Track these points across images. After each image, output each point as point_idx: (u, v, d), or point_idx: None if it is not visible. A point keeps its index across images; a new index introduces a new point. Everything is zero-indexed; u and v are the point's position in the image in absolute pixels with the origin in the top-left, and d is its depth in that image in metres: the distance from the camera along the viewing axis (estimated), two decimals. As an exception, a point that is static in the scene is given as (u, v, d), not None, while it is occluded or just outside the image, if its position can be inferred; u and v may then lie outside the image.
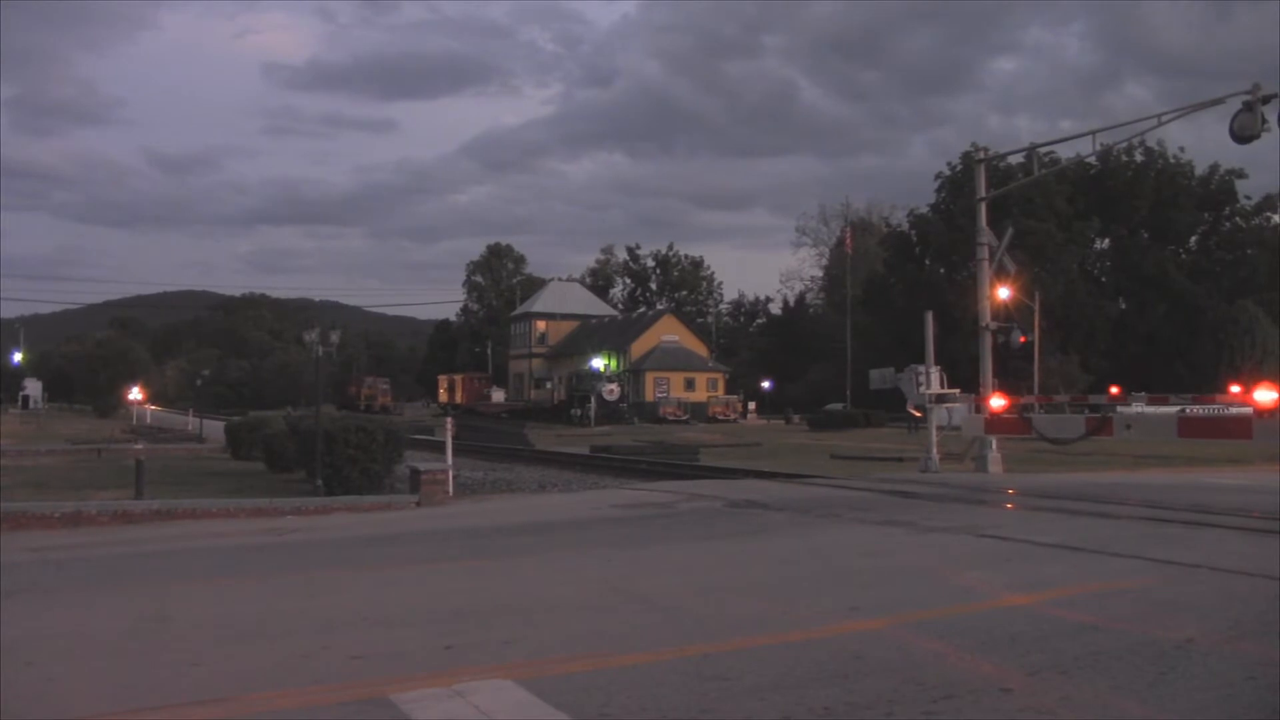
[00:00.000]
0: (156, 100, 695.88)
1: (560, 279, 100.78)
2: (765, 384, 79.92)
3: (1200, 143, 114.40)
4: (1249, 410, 14.84)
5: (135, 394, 64.29)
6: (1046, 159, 40.84)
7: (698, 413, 66.51)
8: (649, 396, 69.99)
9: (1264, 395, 14.12)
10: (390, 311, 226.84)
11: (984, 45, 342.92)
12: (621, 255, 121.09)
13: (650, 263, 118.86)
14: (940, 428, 21.10)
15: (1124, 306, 72.97)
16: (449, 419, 21.25)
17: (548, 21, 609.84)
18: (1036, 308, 45.46)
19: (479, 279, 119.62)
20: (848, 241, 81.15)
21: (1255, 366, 56.62)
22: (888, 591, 7.51)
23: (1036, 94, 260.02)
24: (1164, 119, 19.48)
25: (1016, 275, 24.10)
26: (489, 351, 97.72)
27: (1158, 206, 73.47)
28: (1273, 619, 6.41)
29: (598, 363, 70.21)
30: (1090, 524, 11.32)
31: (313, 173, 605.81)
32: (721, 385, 74.15)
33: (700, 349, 78.48)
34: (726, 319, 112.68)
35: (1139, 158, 74.64)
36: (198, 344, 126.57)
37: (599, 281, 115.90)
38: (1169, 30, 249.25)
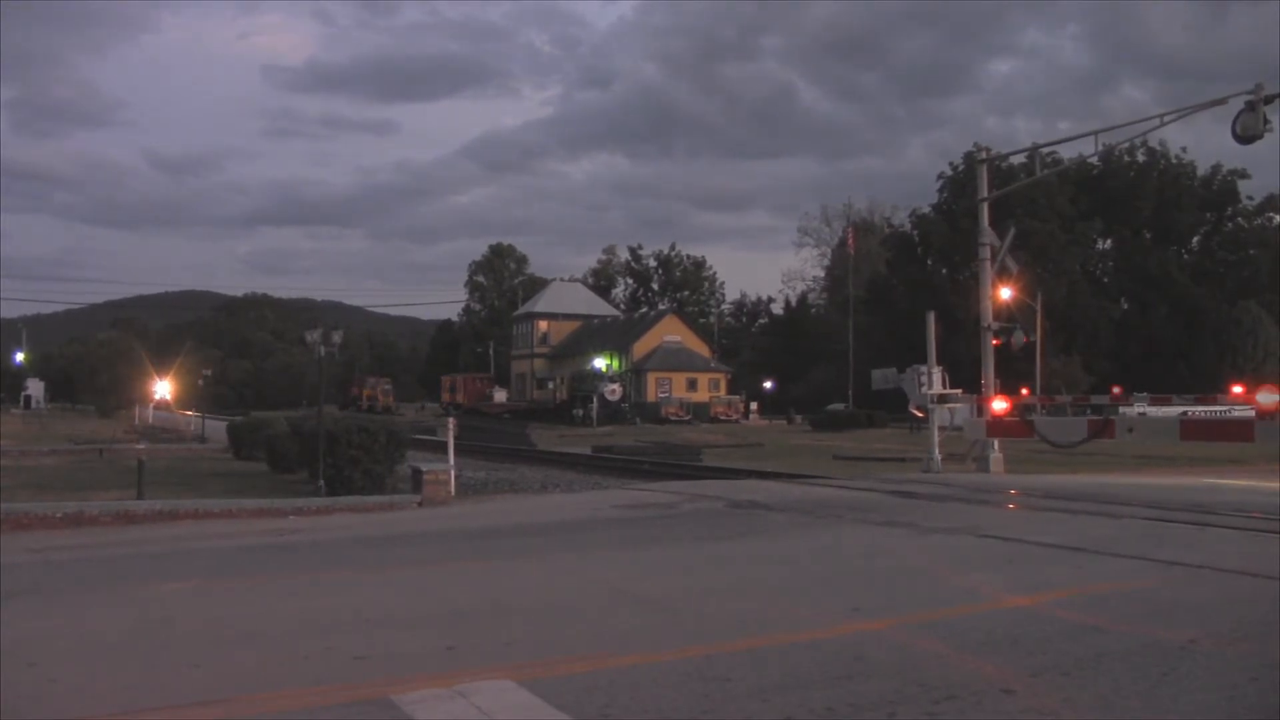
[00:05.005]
0: (157, 102, 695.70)
1: (562, 279, 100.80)
2: (767, 384, 79.94)
3: (1198, 145, 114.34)
4: (1251, 412, 14.85)
5: (164, 392, 61.47)
6: (1049, 159, 40.90)
7: (700, 413, 66.48)
8: (651, 397, 69.98)
9: (1266, 397, 14.12)
10: (392, 312, 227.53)
11: (981, 47, 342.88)
12: (623, 255, 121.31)
13: (652, 263, 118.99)
14: (942, 428, 21.11)
15: (1126, 307, 73.00)
16: (451, 419, 21.25)
17: (546, 23, 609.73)
18: (1039, 308, 45.56)
19: (481, 279, 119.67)
20: (850, 242, 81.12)
21: (1258, 367, 56.61)
22: (889, 592, 7.51)
23: (1034, 95, 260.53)
24: (1166, 119, 19.49)
25: (1019, 276, 24.14)
26: (491, 352, 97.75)
27: (1160, 207, 73.50)
28: (1275, 620, 6.40)
29: (600, 363, 70.21)
30: (1092, 524, 11.31)
31: (313, 174, 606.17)
32: (724, 385, 74.12)
33: (702, 349, 78.47)
34: (729, 319, 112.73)
35: (1141, 158, 74.71)
36: (200, 344, 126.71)
37: (601, 282, 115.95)
38: (1165, 32, 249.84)
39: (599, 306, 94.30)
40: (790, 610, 6.85)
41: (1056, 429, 18.68)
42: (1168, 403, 19.44)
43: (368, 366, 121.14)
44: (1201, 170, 75.63)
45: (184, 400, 70.81)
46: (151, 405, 61.67)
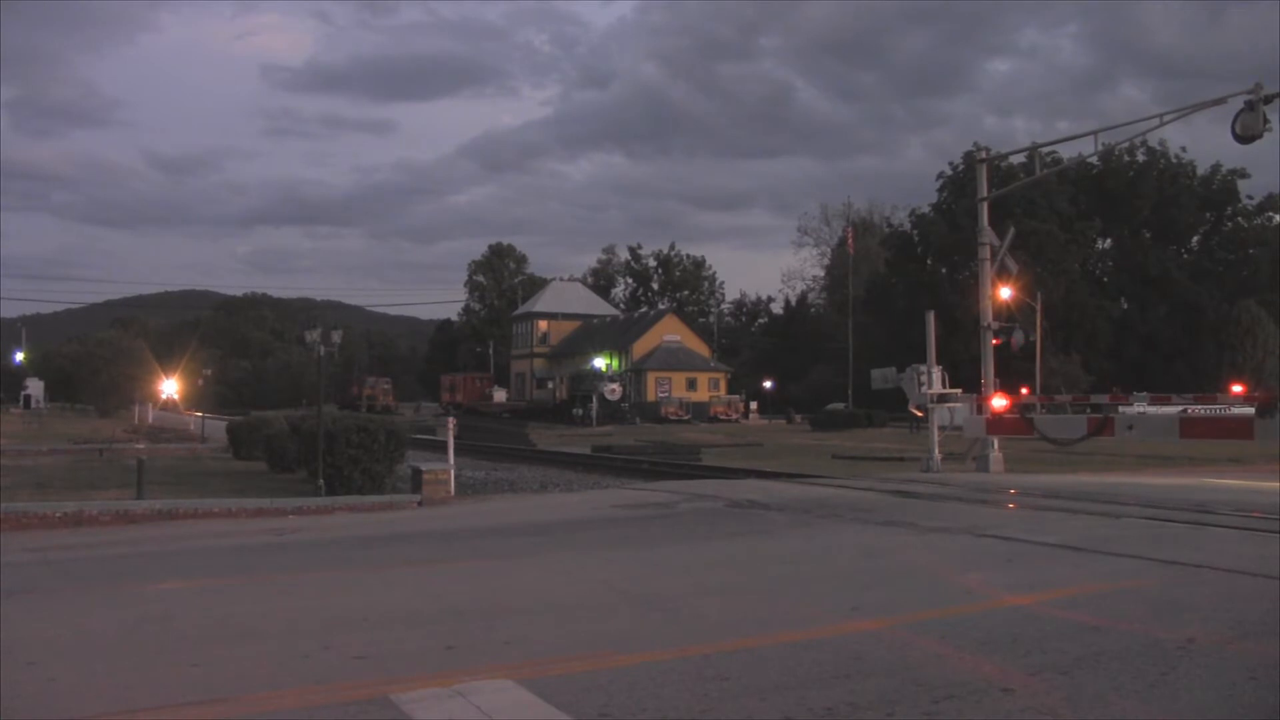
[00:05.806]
0: (156, 102, 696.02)
1: (562, 279, 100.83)
2: (767, 384, 79.95)
3: (1195, 144, 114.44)
4: (1250, 410, 14.85)
5: (171, 391, 61.10)
6: (1048, 159, 40.85)
7: (699, 413, 66.51)
8: (651, 396, 70.00)
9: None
10: (392, 311, 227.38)
11: (979, 47, 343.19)
12: (623, 255, 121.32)
13: (652, 262, 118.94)
14: (942, 428, 21.09)
15: (1126, 307, 72.97)
16: (450, 419, 21.27)
17: (544, 23, 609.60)
18: (1038, 308, 45.54)
19: (481, 279, 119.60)
20: (849, 241, 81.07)
21: (1257, 366, 56.61)
22: (889, 591, 7.51)
23: (1032, 95, 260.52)
24: (1165, 119, 19.49)
25: (1018, 275, 24.12)
26: (491, 351, 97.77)
27: (1159, 206, 73.48)
28: (1275, 619, 6.40)
29: (599, 362, 70.21)
30: (1092, 524, 11.31)
31: (312, 173, 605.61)
32: (723, 385, 74.15)
33: (702, 349, 78.51)
34: (728, 319, 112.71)
35: (1140, 158, 74.66)
36: (199, 344, 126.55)
37: (600, 281, 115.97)
38: (1163, 32, 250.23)
39: (599, 306, 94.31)
40: (789, 609, 6.86)
41: (1056, 426, 18.68)
42: (1167, 402, 19.40)
43: (367, 366, 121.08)
44: (1201, 170, 75.67)
45: (189, 400, 70.76)
46: (158, 405, 61.50)
